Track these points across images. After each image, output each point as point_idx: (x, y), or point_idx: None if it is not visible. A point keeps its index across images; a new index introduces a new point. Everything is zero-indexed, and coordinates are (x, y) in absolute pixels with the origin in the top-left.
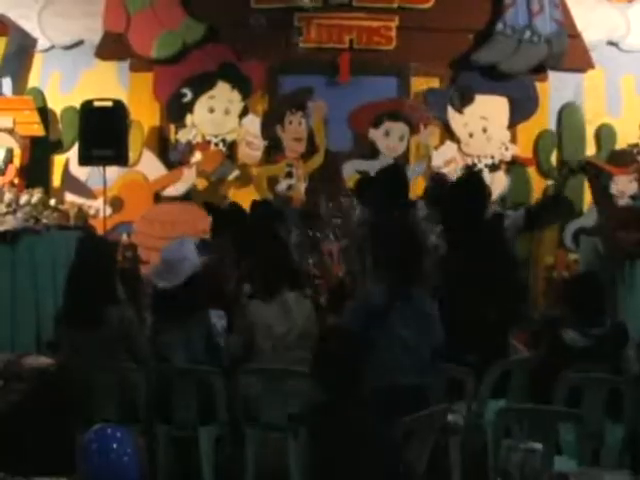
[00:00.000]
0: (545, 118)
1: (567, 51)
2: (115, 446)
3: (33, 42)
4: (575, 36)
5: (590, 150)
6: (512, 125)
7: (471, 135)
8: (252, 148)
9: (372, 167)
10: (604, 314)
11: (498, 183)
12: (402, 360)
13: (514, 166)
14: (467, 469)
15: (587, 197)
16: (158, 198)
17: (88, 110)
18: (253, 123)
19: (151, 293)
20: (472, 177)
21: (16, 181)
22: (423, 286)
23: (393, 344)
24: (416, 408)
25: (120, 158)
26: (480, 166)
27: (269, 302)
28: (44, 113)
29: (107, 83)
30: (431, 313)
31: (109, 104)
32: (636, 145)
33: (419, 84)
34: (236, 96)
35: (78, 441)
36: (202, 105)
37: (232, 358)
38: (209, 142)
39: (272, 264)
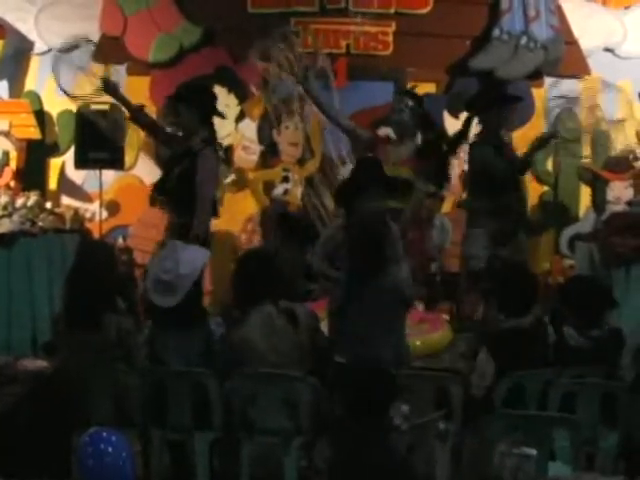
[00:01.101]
0: (541, 124)
1: (563, 57)
2: (110, 450)
3: (30, 45)
4: (571, 42)
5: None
6: (508, 131)
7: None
8: (248, 152)
9: None
10: (604, 317)
11: None
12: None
13: None
14: (461, 475)
15: (583, 203)
16: (154, 202)
17: (85, 113)
18: (249, 127)
19: (148, 300)
20: None
21: (12, 184)
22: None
23: None
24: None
25: (116, 161)
26: None
27: (249, 315)
28: (40, 116)
29: None
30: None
31: (106, 107)
32: (632, 151)
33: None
34: (232, 100)
35: (74, 444)
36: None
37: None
38: None
39: (252, 274)
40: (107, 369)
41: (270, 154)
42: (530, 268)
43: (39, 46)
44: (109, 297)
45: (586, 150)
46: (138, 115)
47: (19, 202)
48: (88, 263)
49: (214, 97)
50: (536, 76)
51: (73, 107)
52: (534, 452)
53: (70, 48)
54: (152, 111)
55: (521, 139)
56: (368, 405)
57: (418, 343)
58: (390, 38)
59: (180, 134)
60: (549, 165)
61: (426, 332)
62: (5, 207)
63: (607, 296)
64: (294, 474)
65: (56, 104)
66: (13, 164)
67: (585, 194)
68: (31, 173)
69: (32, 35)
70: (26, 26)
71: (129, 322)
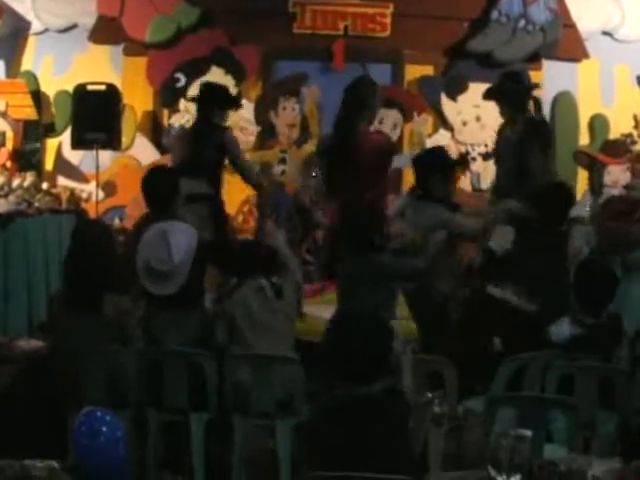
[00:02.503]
0: None
1: (561, 40)
2: (104, 429)
3: (27, 25)
4: (570, 25)
5: (583, 139)
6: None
7: (465, 123)
8: (245, 134)
9: None
10: (605, 305)
11: (491, 172)
12: None
13: None
14: (459, 457)
15: (580, 186)
16: None
17: (81, 94)
18: (247, 108)
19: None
20: None
21: (8, 164)
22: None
23: None
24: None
25: (113, 142)
26: (473, 154)
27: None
28: (37, 96)
29: (100, 67)
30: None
31: (102, 88)
32: (629, 135)
33: (413, 72)
34: (230, 81)
35: (69, 425)
36: (196, 90)
37: (220, 342)
38: None
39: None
40: (103, 349)
41: (267, 135)
42: None
43: (36, 26)
44: (108, 277)
45: (583, 134)
46: None
47: (15, 183)
48: (87, 244)
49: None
50: (534, 59)
51: (70, 87)
52: (530, 433)
53: (67, 28)
54: (149, 91)
55: None
56: (364, 358)
57: (414, 326)
58: (388, 20)
59: None
60: None
61: None
62: (1, 187)
63: (613, 282)
64: (288, 455)
65: (53, 84)
66: (9, 144)
67: (582, 177)
68: (27, 153)
69: (29, 15)
70: (23, 6)
71: (126, 301)
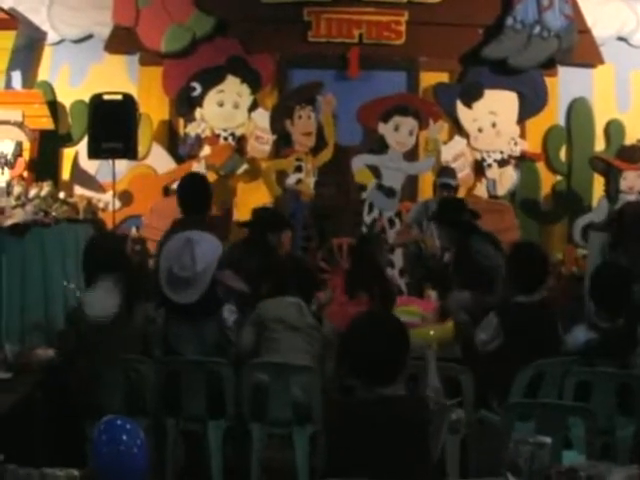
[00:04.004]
0: (554, 113)
1: (577, 46)
2: (125, 438)
3: (43, 35)
4: (585, 31)
5: (599, 145)
6: (521, 120)
7: (480, 130)
8: (261, 142)
9: (381, 161)
10: (621, 309)
11: (507, 178)
12: None
13: (523, 161)
14: (477, 463)
15: (596, 192)
16: (167, 192)
17: (97, 103)
18: (262, 117)
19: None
20: None
21: (25, 174)
22: None
23: None
24: None
25: (129, 152)
26: (489, 161)
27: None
28: (53, 106)
29: (116, 77)
30: None
31: (118, 98)
32: None
33: (428, 79)
34: (245, 90)
35: (89, 434)
36: (211, 99)
37: (242, 350)
38: (218, 136)
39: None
40: (122, 359)
41: (283, 144)
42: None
43: (52, 36)
44: (140, 290)
45: (599, 139)
46: None
47: (32, 192)
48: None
49: None
50: (549, 65)
51: (86, 97)
52: (549, 440)
53: (83, 39)
54: (165, 100)
55: (533, 128)
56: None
57: (432, 332)
58: (403, 27)
59: None
60: (562, 155)
61: (439, 322)
62: (18, 197)
63: (628, 285)
64: (305, 463)
65: (69, 94)
66: (26, 154)
67: (598, 183)
68: (44, 163)
69: (45, 25)
70: (39, 16)
71: (152, 309)
